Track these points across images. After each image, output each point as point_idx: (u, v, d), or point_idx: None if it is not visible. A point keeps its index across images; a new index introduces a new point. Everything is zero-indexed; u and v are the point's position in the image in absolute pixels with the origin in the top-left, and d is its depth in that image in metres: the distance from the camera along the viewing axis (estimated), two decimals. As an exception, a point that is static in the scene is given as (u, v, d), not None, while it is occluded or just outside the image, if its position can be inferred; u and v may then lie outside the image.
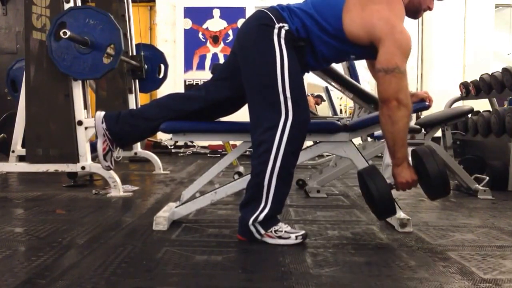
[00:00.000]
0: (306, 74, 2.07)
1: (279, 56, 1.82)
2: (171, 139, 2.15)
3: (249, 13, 6.88)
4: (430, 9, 1.99)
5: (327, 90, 6.54)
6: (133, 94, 4.54)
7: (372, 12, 1.81)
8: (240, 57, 1.92)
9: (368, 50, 1.87)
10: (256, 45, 1.86)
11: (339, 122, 2.16)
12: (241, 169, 3.56)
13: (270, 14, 1.86)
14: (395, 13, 1.83)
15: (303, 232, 1.86)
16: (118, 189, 2.97)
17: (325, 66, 2.09)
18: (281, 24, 1.84)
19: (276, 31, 1.83)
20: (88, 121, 2.99)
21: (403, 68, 1.79)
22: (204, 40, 7.16)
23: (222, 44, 7.14)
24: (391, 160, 1.88)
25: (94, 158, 2.86)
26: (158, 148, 6.42)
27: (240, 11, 7.05)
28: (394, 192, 1.90)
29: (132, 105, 4.49)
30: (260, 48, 1.85)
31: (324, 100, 7.73)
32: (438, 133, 3.54)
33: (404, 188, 1.88)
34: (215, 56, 7.15)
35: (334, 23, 1.84)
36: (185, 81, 7.15)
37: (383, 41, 1.79)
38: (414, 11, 1.97)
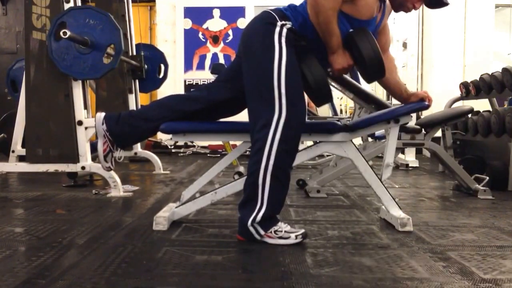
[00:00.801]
0: None
1: (278, 53, 1.83)
2: (171, 139, 2.15)
3: (248, 12, 6.89)
4: (415, 8, 2.01)
5: (327, 90, 6.52)
6: (133, 94, 4.54)
7: None
8: (242, 56, 1.94)
9: (356, 17, 1.89)
10: (257, 42, 1.88)
11: (339, 122, 2.16)
12: (241, 169, 3.56)
13: (274, 14, 1.89)
14: None
15: (302, 231, 1.86)
16: (118, 189, 2.97)
17: (326, 64, 2.08)
18: (283, 22, 1.86)
19: (277, 29, 1.85)
20: (88, 121, 2.99)
21: None
22: (204, 40, 7.16)
23: (222, 44, 7.14)
24: (327, 48, 1.90)
25: (94, 158, 2.86)
26: (158, 148, 6.41)
27: (240, 11, 7.05)
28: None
29: (132, 105, 4.49)
30: (260, 45, 1.86)
31: (324, 102, 7.72)
32: (438, 133, 3.54)
33: (340, 73, 1.94)
34: (215, 56, 7.14)
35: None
36: (185, 81, 7.15)
37: None
38: (399, 2, 1.99)
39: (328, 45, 1.89)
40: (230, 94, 2.01)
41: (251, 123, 1.89)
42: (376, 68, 1.90)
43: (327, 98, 2.00)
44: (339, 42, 1.87)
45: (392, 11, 2.09)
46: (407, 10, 2.03)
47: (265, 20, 1.89)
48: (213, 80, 2.18)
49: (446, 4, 1.99)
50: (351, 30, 1.93)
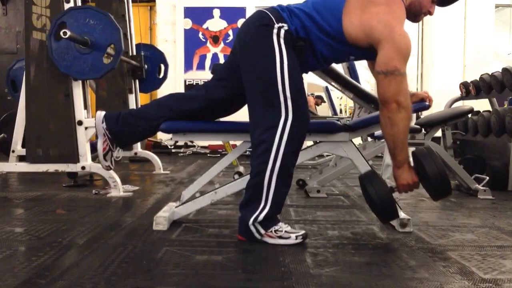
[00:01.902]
0: (305, 74, 2.07)
1: (279, 56, 1.82)
2: (171, 139, 2.15)
3: (249, 13, 6.88)
4: (430, 13, 1.98)
5: (327, 90, 6.55)
6: (133, 94, 4.54)
7: (371, 15, 1.81)
8: (240, 57, 1.92)
9: (367, 51, 1.87)
10: (256, 45, 1.86)
11: (339, 122, 2.16)
12: (241, 169, 3.56)
13: (270, 15, 1.86)
14: (394, 15, 1.83)
15: (303, 232, 1.87)
16: (118, 189, 2.97)
17: (325, 67, 2.09)
18: (280, 24, 1.84)
19: (275, 31, 1.83)
20: (88, 121, 2.99)
21: (402, 71, 1.79)
22: (204, 40, 7.16)
23: (222, 44, 7.14)
24: (392, 162, 1.88)
25: (94, 158, 2.86)
26: (158, 148, 6.42)
27: (240, 11, 7.05)
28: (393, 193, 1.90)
29: (132, 105, 4.49)
30: (259, 48, 1.85)
31: (325, 101, 7.74)
32: (438, 133, 3.54)
33: (405, 190, 1.89)
34: (215, 56, 7.15)
35: (334, 24, 1.84)
36: (185, 81, 7.15)
37: (382, 44, 1.79)
38: (414, 14, 1.96)
39: (395, 158, 1.86)
40: (229, 92, 2.01)
41: (252, 124, 1.88)
42: (442, 188, 1.87)
43: (393, 215, 1.94)
44: (407, 157, 1.86)
45: None
46: (423, 17, 2.02)
47: (262, 22, 1.86)
48: (210, 79, 2.17)
49: None
50: (351, 57, 1.94)
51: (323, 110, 8.41)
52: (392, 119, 1.80)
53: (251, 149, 1.94)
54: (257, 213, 1.82)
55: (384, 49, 1.78)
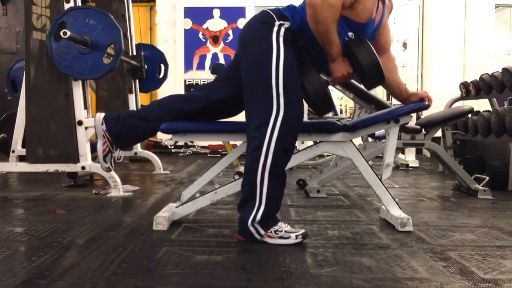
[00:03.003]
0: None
1: (275, 52, 1.83)
2: (171, 139, 2.15)
3: (249, 13, 6.89)
4: None
5: (327, 90, 6.53)
6: (133, 94, 4.54)
7: None
8: (240, 55, 1.94)
9: (353, 20, 1.89)
10: (255, 41, 1.89)
11: (339, 122, 2.16)
12: (241, 169, 3.56)
13: (272, 13, 1.89)
14: None
15: (303, 231, 1.86)
16: (118, 189, 2.97)
17: (326, 63, 2.08)
18: (281, 22, 1.86)
19: (275, 28, 1.85)
20: (88, 121, 2.99)
21: None
22: (204, 40, 7.16)
23: (222, 44, 7.14)
24: (327, 56, 1.91)
25: (94, 158, 2.86)
26: (158, 148, 6.41)
27: (240, 11, 7.05)
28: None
29: (132, 105, 4.49)
30: (258, 44, 1.87)
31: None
32: (438, 133, 3.54)
33: (340, 81, 1.96)
34: (215, 56, 7.14)
35: None
36: (185, 81, 7.15)
37: None
38: None
39: (328, 53, 1.90)
40: (230, 94, 2.01)
41: (247, 120, 1.90)
42: (375, 75, 1.93)
43: (327, 107, 2.02)
44: (339, 50, 1.89)
45: (392, 11, 2.09)
46: None
47: (263, 20, 1.89)
48: (213, 80, 2.17)
49: None
50: (349, 33, 1.94)
51: (323, 110, 8.40)
52: (315, 17, 1.81)
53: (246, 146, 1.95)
54: (254, 212, 1.82)
55: None
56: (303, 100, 1.96)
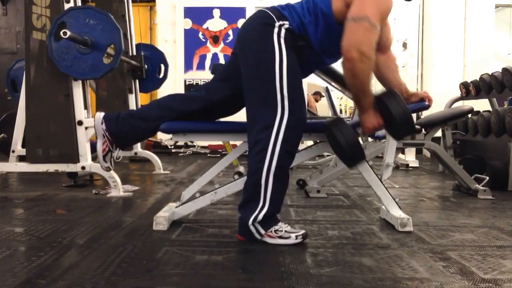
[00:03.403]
0: (308, 75, 2.08)
1: (278, 55, 1.82)
2: (171, 139, 2.15)
3: (249, 13, 6.88)
4: None
5: (327, 90, 6.53)
6: (133, 94, 4.54)
7: None
8: (240, 56, 1.92)
9: None
10: (256, 43, 1.87)
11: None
12: (241, 169, 3.56)
13: (271, 13, 1.87)
14: None
15: (303, 231, 1.86)
16: (118, 189, 2.97)
17: (327, 61, 2.07)
18: (281, 22, 1.85)
19: (276, 29, 1.84)
20: (88, 121, 2.99)
21: (373, 21, 1.75)
22: (204, 40, 7.16)
23: (222, 44, 7.14)
24: (357, 108, 1.91)
25: (94, 158, 2.86)
26: (158, 148, 6.41)
27: (240, 11, 7.05)
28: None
29: (132, 105, 4.49)
30: (259, 47, 1.86)
31: (323, 96, 7.74)
32: (438, 133, 3.54)
33: (370, 132, 1.94)
34: (215, 56, 7.14)
35: (326, 10, 1.86)
36: (185, 81, 7.15)
37: None
38: None
39: (359, 105, 1.89)
40: (229, 93, 2.01)
41: (249, 123, 1.89)
42: (406, 128, 1.93)
43: (360, 158, 2.00)
44: (371, 102, 1.87)
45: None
46: None
47: (263, 20, 1.87)
48: (211, 79, 2.17)
49: None
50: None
51: (323, 110, 8.40)
52: (353, 70, 1.77)
53: (248, 148, 1.95)
54: (256, 213, 1.82)
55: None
56: (305, 102, 1.96)
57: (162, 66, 4.66)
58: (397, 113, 1.85)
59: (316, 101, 9.07)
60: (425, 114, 4.05)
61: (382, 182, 2.15)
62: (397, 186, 3.48)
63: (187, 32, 7.15)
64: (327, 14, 1.85)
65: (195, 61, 7.17)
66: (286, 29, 1.85)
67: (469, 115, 3.91)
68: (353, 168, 2.11)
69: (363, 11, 1.75)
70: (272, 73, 1.81)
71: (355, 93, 1.87)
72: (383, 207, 2.23)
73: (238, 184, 2.13)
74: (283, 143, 1.80)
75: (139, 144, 4.48)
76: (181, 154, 6.38)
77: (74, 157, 2.98)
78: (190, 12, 7.14)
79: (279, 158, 1.80)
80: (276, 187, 1.83)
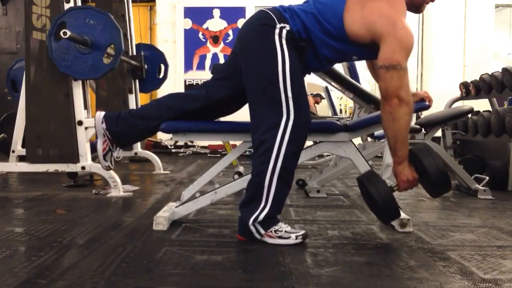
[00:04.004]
0: (308, 75, 2.07)
1: (281, 56, 1.81)
2: (171, 139, 2.15)
3: (249, 13, 6.88)
4: (432, 0, 1.97)
5: (327, 90, 6.54)
6: (133, 94, 4.54)
7: (373, 10, 1.80)
8: (241, 57, 1.91)
9: (369, 50, 1.86)
10: (257, 45, 1.86)
11: (339, 122, 2.16)
12: (241, 169, 3.56)
13: (272, 15, 1.86)
14: (395, 9, 1.82)
15: (303, 232, 1.86)
16: (118, 189, 2.97)
17: (327, 67, 2.08)
18: (282, 25, 1.84)
19: (277, 31, 1.83)
20: (88, 121, 2.99)
21: (404, 65, 1.78)
22: (204, 40, 7.16)
23: (222, 44, 7.14)
24: (392, 158, 1.88)
25: (94, 158, 2.86)
26: (158, 148, 6.41)
27: (240, 11, 7.05)
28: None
29: (132, 105, 4.49)
30: (261, 48, 1.85)
31: (323, 98, 7.74)
32: (438, 133, 3.54)
33: (406, 187, 1.87)
34: (215, 56, 7.15)
35: (336, 22, 1.83)
36: (185, 81, 7.15)
37: (384, 38, 1.78)
38: (416, 6, 1.95)
39: (395, 154, 1.85)
40: (229, 92, 2.01)
41: (253, 124, 1.88)
42: (443, 185, 1.87)
43: (394, 215, 1.93)
44: (407, 153, 1.85)
45: None
46: (424, 8, 2.00)
47: (264, 21, 1.86)
48: (210, 78, 2.16)
49: None
50: (354, 57, 1.94)
51: (323, 110, 8.40)
52: (393, 114, 1.78)
53: (251, 149, 1.94)
54: (257, 213, 1.82)
55: (387, 43, 1.77)
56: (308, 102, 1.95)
57: (162, 66, 4.66)
58: (432, 169, 1.80)
59: (317, 103, 9.06)
60: (425, 114, 4.05)
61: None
62: (397, 186, 3.47)
63: (187, 32, 7.15)
64: (338, 28, 1.83)
65: (195, 61, 7.18)
66: (288, 31, 1.84)
67: (469, 115, 3.91)
68: (388, 223, 2.07)
69: (394, 58, 1.76)
70: (276, 75, 1.81)
71: (392, 140, 1.83)
72: (383, 207, 2.22)
73: (238, 184, 2.13)
74: (289, 144, 1.80)
75: (139, 144, 4.48)
76: (181, 154, 6.38)
77: (74, 157, 2.98)
78: (190, 12, 7.14)
79: (284, 159, 1.80)
80: (279, 189, 1.83)
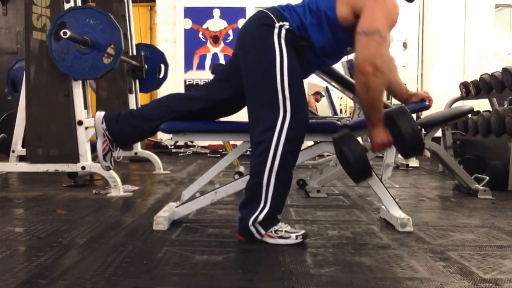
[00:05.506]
0: (309, 76, 2.07)
1: (279, 56, 1.82)
2: (171, 139, 2.15)
3: (249, 13, 6.88)
4: None
5: (327, 90, 6.55)
6: (133, 94, 4.54)
7: None
8: (240, 57, 1.92)
9: None
10: (256, 44, 1.87)
11: (339, 122, 2.16)
12: (241, 169, 3.56)
13: (271, 14, 1.87)
14: None
15: (303, 231, 1.86)
16: (118, 189, 2.97)
17: (328, 63, 2.07)
18: (281, 23, 1.84)
19: (276, 30, 1.83)
20: (88, 121, 2.99)
21: (384, 34, 1.75)
22: (204, 40, 7.16)
23: (222, 44, 7.14)
24: (367, 123, 1.89)
25: (94, 158, 2.86)
26: (158, 148, 6.41)
27: (240, 11, 7.05)
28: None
29: (132, 105, 4.49)
30: (260, 48, 1.85)
31: (323, 96, 7.76)
32: (438, 133, 3.54)
33: (379, 148, 1.91)
34: (215, 56, 7.15)
35: (330, 14, 1.85)
36: (185, 81, 7.15)
37: (365, 7, 1.77)
38: None
39: (370, 120, 1.87)
40: (229, 93, 2.01)
41: (251, 124, 1.88)
42: (415, 145, 1.90)
43: (367, 174, 1.98)
44: (381, 117, 1.86)
45: None
46: None
47: (263, 21, 1.87)
48: (211, 79, 2.17)
49: None
50: (348, 48, 1.93)
51: (323, 110, 8.41)
52: (367, 84, 1.76)
53: (251, 149, 1.94)
54: (256, 213, 1.82)
55: (367, 11, 1.76)
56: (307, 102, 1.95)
57: (162, 66, 4.67)
58: (407, 132, 1.84)
59: (317, 101, 9.08)
60: (425, 114, 4.05)
61: (382, 182, 2.15)
62: (397, 186, 3.48)
63: (187, 32, 7.15)
64: (332, 18, 1.84)
65: (195, 61, 7.17)
66: (287, 30, 1.84)
67: (469, 115, 3.91)
68: (360, 183, 2.08)
69: (374, 25, 1.74)
70: (273, 74, 1.81)
71: (367, 108, 1.85)
72: (383, 207, 2.23)
73: (238, 184, 2.13)
74: (286, 143, 1.80)
75: (139, 144, 4.48)
76: (181, 154, 6.38)
77: (74, 157, 2.98)
78: (190, 12, 7.14)
79: (281, 159, 1.80)
80: (278, 188, 1.83)
